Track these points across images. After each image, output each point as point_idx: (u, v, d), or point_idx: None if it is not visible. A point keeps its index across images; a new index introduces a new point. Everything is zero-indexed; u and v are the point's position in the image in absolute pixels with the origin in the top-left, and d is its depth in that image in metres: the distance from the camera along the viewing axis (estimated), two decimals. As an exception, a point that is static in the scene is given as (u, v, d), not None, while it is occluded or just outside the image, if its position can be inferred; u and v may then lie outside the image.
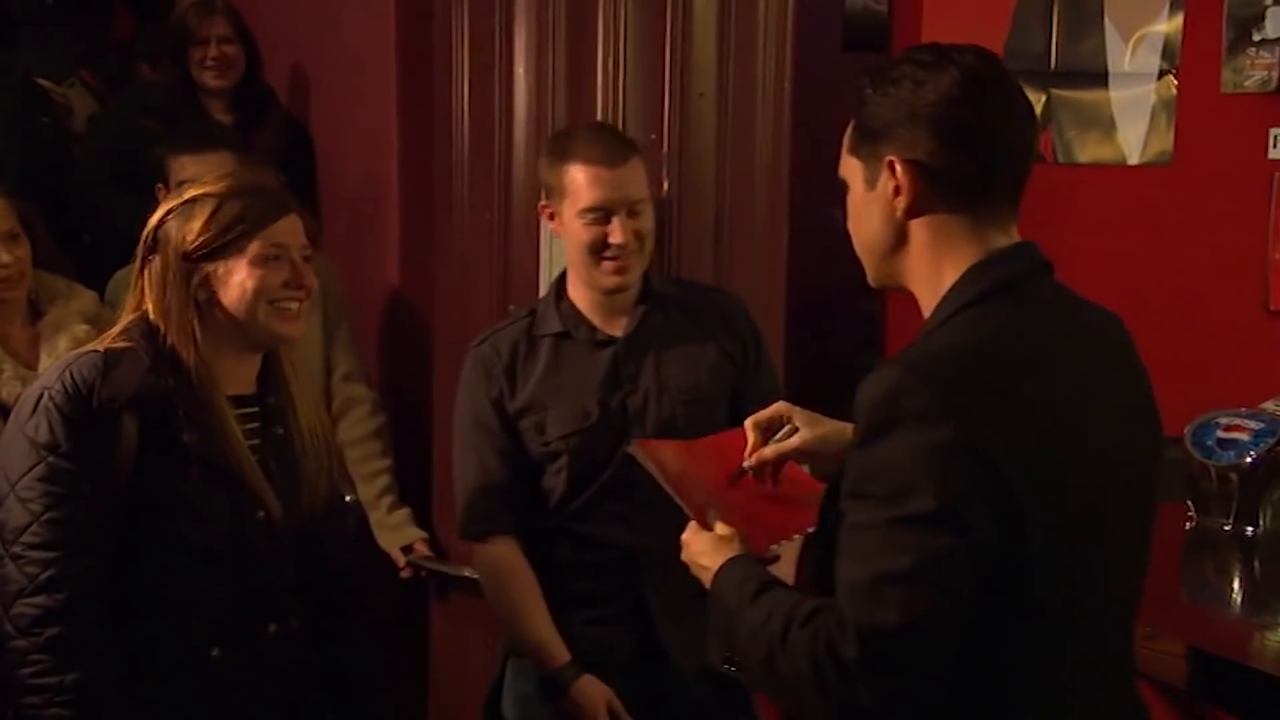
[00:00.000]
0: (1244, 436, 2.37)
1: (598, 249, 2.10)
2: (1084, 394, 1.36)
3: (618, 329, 2.17)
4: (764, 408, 2.00)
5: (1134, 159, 2.94)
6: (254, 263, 1.74)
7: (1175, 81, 2.91)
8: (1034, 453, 1.29)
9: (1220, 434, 2.39)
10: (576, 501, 2.14)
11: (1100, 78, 2.92)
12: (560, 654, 2.10)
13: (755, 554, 1.52)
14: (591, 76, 2.54)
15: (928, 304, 1.42)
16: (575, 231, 2.11)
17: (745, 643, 1.39)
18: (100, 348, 1.75)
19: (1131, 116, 2.92)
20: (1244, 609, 2.18)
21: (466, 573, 2.63)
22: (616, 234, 2.08)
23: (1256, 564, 2.31)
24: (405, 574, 2.81)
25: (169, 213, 1.76)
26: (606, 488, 2.13)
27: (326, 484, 1.89)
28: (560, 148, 2.15)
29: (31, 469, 1.65)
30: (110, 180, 3.15)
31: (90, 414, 1.67)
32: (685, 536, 1.58)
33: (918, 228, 1.40)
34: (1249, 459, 2.34)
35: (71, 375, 1.69)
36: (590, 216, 2.09)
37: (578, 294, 2.18)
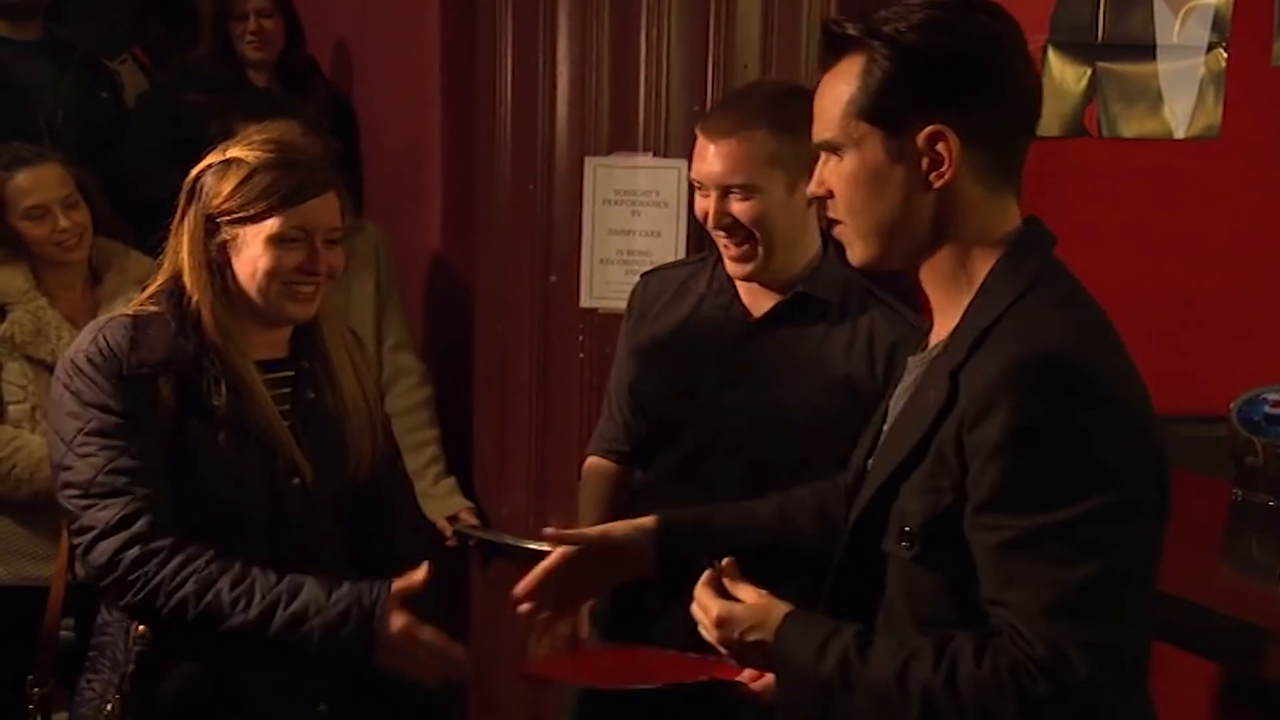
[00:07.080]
0: (1294, 412, 2.35)
1: (702, 223, 1.92)
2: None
3: (759, 309, 1.97)
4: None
5: (1181, 133, 2.91)
6: (271, 241, 1.69)
7: (1225, 54, 2.87)
8: (1153, 419, 1.24)
9: (1268, 409, 2.36)
10: (654, 472, 2.03)
11: (1148, 50, 2.88)
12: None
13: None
14: (635, 48, 2.54)
15: (943, 280, 1.31)
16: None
17: (873, 709, 1.21)
18: (130, 311, 1.75)
19: (1179, 90, 2.88)
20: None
21: (508, 540, 2.65)
22: (706, 212, 1.89)
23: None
24: (451, 543, 2.84)
25: (208, 167, 1.74)
26: (676, 473, 2.01)
27: (371, 448, 1.84)
28: None
29: (84, 426, 1.66)
30: (159, 153, 3.19)
31: (123, 379, 1.67)
32: (717, 614, 1.33)
33: (947, 200, 1.27)
34: (1299, 435, 2.31)
35: (105, 338, 1.70)
36: (697, 189, 1.93)
37: None
